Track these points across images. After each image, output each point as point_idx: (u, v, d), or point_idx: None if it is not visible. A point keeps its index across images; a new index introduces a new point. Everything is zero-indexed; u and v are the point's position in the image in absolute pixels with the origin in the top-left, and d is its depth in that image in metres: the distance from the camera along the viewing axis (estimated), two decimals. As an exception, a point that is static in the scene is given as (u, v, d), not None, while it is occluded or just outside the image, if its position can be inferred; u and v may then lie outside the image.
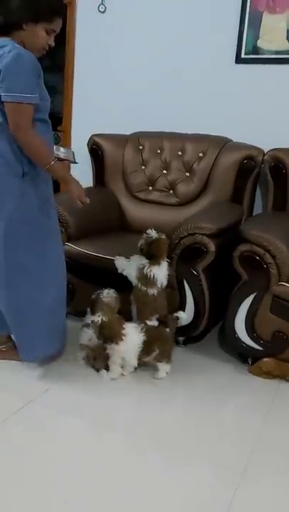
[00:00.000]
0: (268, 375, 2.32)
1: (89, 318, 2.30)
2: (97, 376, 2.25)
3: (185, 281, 2.40)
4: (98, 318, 2.13)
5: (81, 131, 3.31)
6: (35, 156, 1.95)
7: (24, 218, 2.04)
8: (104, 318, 2.12)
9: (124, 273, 2.39)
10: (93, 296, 2.35)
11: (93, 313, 2.30)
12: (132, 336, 2.17)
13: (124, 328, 2.16)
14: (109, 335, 2.13)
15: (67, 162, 2.22)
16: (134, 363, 2.21)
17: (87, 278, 2.62)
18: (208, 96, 3.02)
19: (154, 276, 2.30)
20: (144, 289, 2.31)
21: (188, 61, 3.06)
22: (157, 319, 2.28)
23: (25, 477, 1.66)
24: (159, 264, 2.31)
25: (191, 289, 2.40)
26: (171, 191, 2.96)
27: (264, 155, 2.73)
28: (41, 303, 2.13)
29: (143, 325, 2.21)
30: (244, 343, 2.34)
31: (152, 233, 2.31)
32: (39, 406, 2.03)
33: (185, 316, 2.36)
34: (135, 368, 2.25)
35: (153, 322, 2.26)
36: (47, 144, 1.99)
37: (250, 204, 2.81)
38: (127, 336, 2.15)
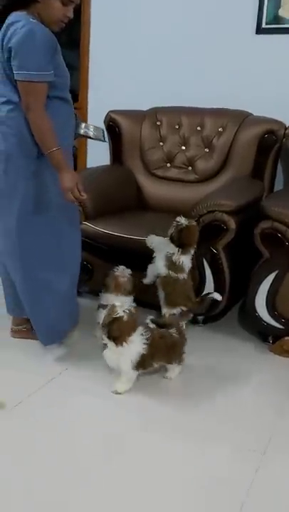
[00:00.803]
0: (289, 354, 2.29)
1: (104, 298, 2.28)
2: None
3: (204, 260, 2.36)
4: (119, 312, 1.90)
5: (98, 107, 3.24)
6: (39, 139, 1.88)
7: (37, 199, 2.00)
8: (123, 317, 1.89)
9: (154, 255, 2.34)
10: (109, 273, 2.34)
11: (107, 290, 2.29)
12: (133, 344, 1.93)
13: (131, 335, 1.92)
14: (114, 333, 1.90)
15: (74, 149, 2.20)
16: (129, 373, 1.98)
17: (105, 257, 2.60)
18: (227, 68, 2.93)
19: (183, 263, 2.25)
20: (175, 275, 2.26)
21: (207, 33, 2.96)
22: (181, 311, 2.26)
23: (47, 452, 1.67)
24: (189, 252, 2.26)
25: (210, 268, 2.36)
26: (190, 168, 2.89)
27: (286, 129, 2.65)
28: (55, 287, 2.10)
29: (150, 334, 1.96)
30: (265, 322, 2.30)
31: (182, 220, 2.23)
32: (59, 385, 2.04)
33: (219, 295, 2.32)
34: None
35: (176, 310, 2.25)
36: (54, 130, 1.88)
37: (271, 180, 2.74)
38: (130, 343, 1.92)
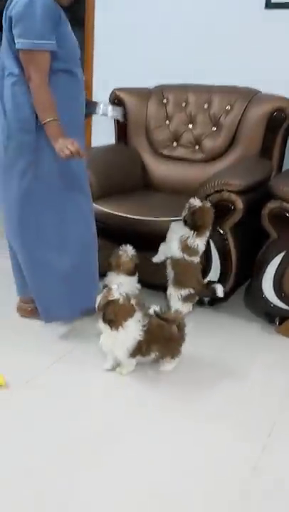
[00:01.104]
0: (296, 335, 2.28)
1: (109, 278, 2.27)
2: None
3: (211, 241, 2.33)
4: (116, 294, 1.84)
5: (103, 85, 3.18)
6: (37, 109, 1.85)
7: (39, 175, 1.96)
8: (119, 300, 1.83)
9: (167, 235, 2.32)
10: (113, 252, 2.35)
11: (110, 268, 2.28)
12: (129, 330, 1.87)
13: (127, 319, 1.86)
14: (109, 316, 1.85)
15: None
16: (125, 360, 1.94)
17: (111, 238, 2.57)
18: (235, 44, 2.85)
19: (198, 246, 2.23)
20: (189, 259, 2.25)
21: (213, 8, 2.88)
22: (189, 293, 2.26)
23: (58, 428, 1.68)
24: (204, 235, 2.23)
25: (217, 249, 2.34)
26: (197, 147, 2.84)
27: (295, 107, 2.59)
28: (55, 267, 2.07)
29: (148, 321, 1.90)
30: (272, 303, 2.29)
31: (195, 202, 2.19)
32: (65, 365, 2.04)
33: (222, 290, 2.29)
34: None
35: (183, 291, 2.26)
36: (54, 102, 1.84)
37: (279, 159, 2.69)
38: (126, 328, 1.86)
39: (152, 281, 2.54)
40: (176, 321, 1.96)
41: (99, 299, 1.89)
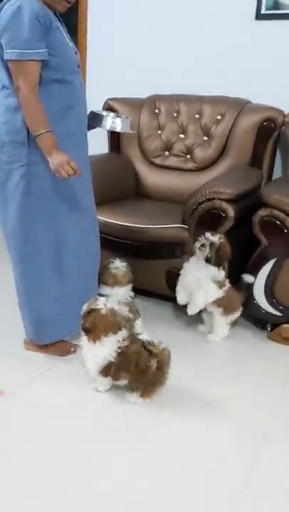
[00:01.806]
0: (287, 341, 2.30)
1: (102, 289, 2.28)
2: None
3: (203, 248, 2.37)
4: (100, 304, 1.79)
5: (96, 95, 3.21)
6: (27, 121, 1.78)
7: (33, 190, 1.88)
8: (101, 310, 1.77)
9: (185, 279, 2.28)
10: (104, 265, 2.30)
11: (101, 282, 2.25)
12: (104, 345, 1.78)
13: (107, 334, 1.77)
14: (86, 325, 1.78)
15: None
16: (95, 376, 1.87)
17: (105, 245, 2.59)
18: (226, 55, 2.90)
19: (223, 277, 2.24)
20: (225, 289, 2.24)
21: (206, 19, 2.93)
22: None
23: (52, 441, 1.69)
24: (224, 267, 2.22)
25: (209, 256, 2.37)
26: (189, 156, 2.89)
27: (284, 116, 2.64)
28: (51, 287, 2.01)
29: (126, 344, 1.79)
30: (263, 310, 2.31)
31: (214, 238, 2.17)
32: (57, 374, 2.05)
33: (252, 279, 2.29)
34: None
35: (234, 315, 2.28)
36: (45, 113, 1.76)
37: (269, 168, 2.73)
38: (102, 343, 1.78)
39: (146, 288, 2.57)
40: (159, 357, 1.78)
41: (85, 306, 1.82)
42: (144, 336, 1.85)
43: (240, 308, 2.31)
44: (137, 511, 1.43)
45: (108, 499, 1.47)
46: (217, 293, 2.20)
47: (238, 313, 2.31)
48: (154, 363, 1.78)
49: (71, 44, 1.88)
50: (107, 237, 2.56)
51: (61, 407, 1.86)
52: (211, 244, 2.16)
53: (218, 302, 2.24)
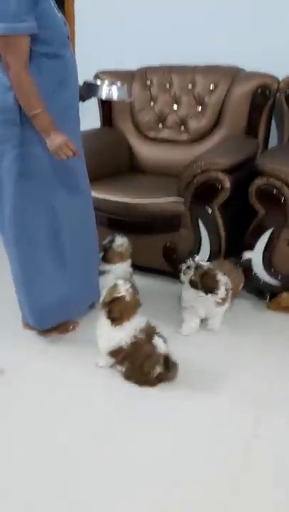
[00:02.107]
0: (287, 310, 2.30)
1: (104, 265, 2.27)
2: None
3: (200, 221, 2.35)
4: (122, 291, 1.80)
5: (85, 68, 3.12)
6: (21, 101, 1.69)
7: (28, 171, 1.81)
8: (126, 297, 1.79)
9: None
10: (105, 243, 2.29)
11: (106, 261, 2.25)
12: (122, 330, 1.80)
13: (129, 319, 1.81)
14: (114, 315, 1.79)
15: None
16: (103, 355, 1.88)
17: (100, 223, 2.57)
18: (216, 21, 2.82)
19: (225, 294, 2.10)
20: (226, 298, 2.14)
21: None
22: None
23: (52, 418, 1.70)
24: (216, 293, 2.06)
25: (206, 229, 2.35)
26: (183, 128, 2.84)
27: (279, 83, 2.59)
28: (53, 270, 1.96)
29: (143, 337, 1.80)
30: (262, 280, 2.31)
31: (200, 263, 2.06)
32: (56, 351, 2.06)
33: (248, 253, 2.25)
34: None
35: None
36: (39, 90, 1.68)
37: (265, 137, 2.69)
38: (124, 326, 1.80)
39: (144, 264, 2.56)
40: (168, 376, 1.81)
41: (104, 293, 1.84)
42: (161, 334, 1.84)
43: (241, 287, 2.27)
44: (139, 482, 1.45)
45: (112, 470, 1.49)
46: (221, 309, 2.15)
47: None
48: (156, 372, 1.80)
49: (60, 14, 1.78)
50: (102, 214, 2.53)
51: (61, 384, 1.86)
52: (196, 268, 2.05)
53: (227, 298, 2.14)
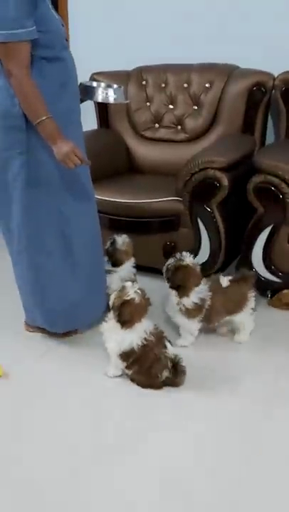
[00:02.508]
0: (288, 306, 2.30)
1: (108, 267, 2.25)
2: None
3: (199, 220, 2.35)
4: (131, 293, 1.76)
5: (80, 69, 3.12)
6: (25, 108, 1.66)
7: (35, 178, 1.78)
8: (135, 299, 1.76)
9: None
10: (107, 247, 2.24)
11: (115, 264, 2.22)
12: (133, 332, 1.77)
13: (141, 320, 1.78)
14: (125, 317, 1.76)
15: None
16: (114, 358, 1.83)
17: (100, 224, 2.57)
18: (211, 21, 2.82)
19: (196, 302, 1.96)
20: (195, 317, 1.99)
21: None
22: None
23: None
24: (188, 295, 1.95)
25: (205, 227, 2.35)
26: (179, 127, 2.84)
27: (274, 80, 2.59)
28: (62, 276, 1.94)
29: (153, 339, 1.78)
30: (262, 277, 2.31)
31: (171, 261, 1.96)
32: (58, 354, 2.06)
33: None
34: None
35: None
36: (42, 96, 1.65)
37: (262, 134, 2.69)
38: (135, 328, 1.77)
39: (144, 263, 2.56)
40: (177, 380, 1.80)
41: (113, 297, 1.80)
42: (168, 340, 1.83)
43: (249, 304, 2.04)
44: (151, 486, 1.45)
45: (121, 473, 1.49)
46: (188, 323, 1.99)
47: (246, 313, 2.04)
48: (163, 377, 1.79)
49: (57, 16, 1.74)
50: (102, 215, 2.52)
51: (63, 387, 1.86)
52: (178, 260, 1.94)
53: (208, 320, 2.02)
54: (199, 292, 1.95)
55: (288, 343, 2.09)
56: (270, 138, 2.77)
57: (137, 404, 1.77)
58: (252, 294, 2.04)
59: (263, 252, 2.26)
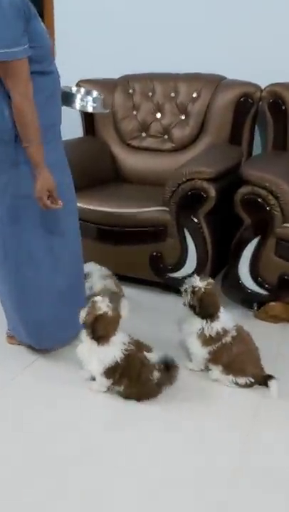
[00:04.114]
0: (275, 318, 2.29)
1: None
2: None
3: (186, 230, 2.33)
4: (103, 307, 1.73)
5: (67, 77, 3.08)
6: (20, 127, 1.63)
7: (22, 192, 1.76)
8: (108, 313, 1.73)
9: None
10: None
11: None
12: (111, 347, 1.74)
13: (115, 333, 1.75)
14: (100, 333, 1.72)
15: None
16: (98, 377, 1.79)
17: (85, 233, 2.52)
18: (198, 29, 2.82)
19: (220, 331, 1.85)
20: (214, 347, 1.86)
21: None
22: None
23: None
24: (218, 317, 1.86)
25: (192, 238, 2.33)
26: (166, 136, 2.82)
27: (261, 91, 2.59)
28: (49, 289, 1.90)
29: (133, 348, 1.75)
30: (249, 289, 2.29)
31: (197, 283, 1.84)
32: (42, 367, 2.01)
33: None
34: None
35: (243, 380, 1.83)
36: (37, 120, 1.64)
37: (249, 145, 2.69)
38: (110, 344, 1.74)
39: (130, 274, 2.53)
40: (170, 381, 1.77)
41: (83, 313, 1.76)
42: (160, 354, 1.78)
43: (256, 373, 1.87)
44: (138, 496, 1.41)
45: (104, 487, 1.45)
46: (201, 351, 1.88)
47: (250, 378, 1.86)
48: (155, 378, 1.75)
49: (43, 26, 1.70)
50: (87, 224, 2.50)
51: (47, 400, 1.82)
52: (194, 290, 1.84)
53: (214, 358, 1.88)
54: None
55: (274, 354, 2.07)
56: (256, 149, 2.77)
57: (122, 417, 1.73)
58: None
59: (250, 264, 2.24)
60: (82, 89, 2.03)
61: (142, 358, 1.75)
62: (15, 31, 1.52)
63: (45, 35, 1.67)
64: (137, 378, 1.75)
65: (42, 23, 1.68)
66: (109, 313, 1.73)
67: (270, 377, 1.84)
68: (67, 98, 1.91)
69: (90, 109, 1.92)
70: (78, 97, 1.89)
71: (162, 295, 2.54)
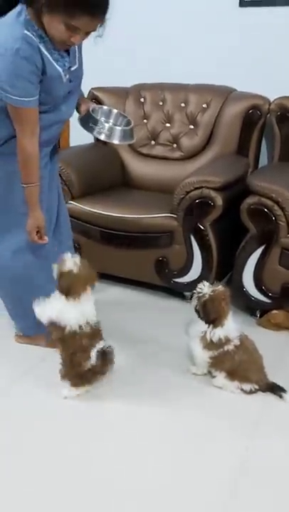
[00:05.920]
0: (277, 327, 2.33)
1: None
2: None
3: (192, 237, 2.38)
4: (68, 265, 1.72)
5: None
6: (22, 167, 1.73)
7: (7, 206, 1.88)
8: (73, 270, 1.71)
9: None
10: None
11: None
12: (86, 304, 1.75)
13: (86, 291, 1.74)
14: (62, 289, 1.73)
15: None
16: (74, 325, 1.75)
17: (92, 236, 2.59)
18: (210, 43, 2.89)
19: (222, 338, 1.86)
20: (216, 353, 1.88)
21: (189, 6, 2.91)
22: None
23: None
24: (222, 324, 1.87)
25: (198, 245, 2.38)
26: (175, 145, 2.88)
27: (270, 104, 2.65)
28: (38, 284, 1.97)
29: (88, 326, 1.76)
30: (252, 297, 2.34)
31: (203, 289, 1.85)
32: (50, 366, 2.04)
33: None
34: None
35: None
36: (38, 162, 1.76)
37: (256, 156, 2.74)
38: (81, 301, 1.73)
39: (136, 277, 2.58)
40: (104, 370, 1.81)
41: (55, 269, 1.75)
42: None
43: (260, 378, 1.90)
44: (139, 497, 1.45)
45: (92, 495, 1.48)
46: (202, 355, 1.89)
47: (255, 386, 1.88)
48: (87, 366, 1.76)
49: (68, 60, 1.78)
50: (95, 228, 2.56)
51: (54, 400, 1.85)
52: (200, 295, 1.86)
53: (216, 364, 1.90)
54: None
55: (276, 363, 2.10)
56: (263, 160, 2.83)
57: (122, 420, 1.77)
58: None
59: (254, 272, 2.29)
60: (114, 111, 1.91)
61: (85, 344, 1.74)
62: (27, 83, 1.59)
63: (57, 86, 1.69)
64: (70, 358, 1.77)
65: (59, 68, 1.69)
66: (75, 270, 1.71)
67: (274, 384, 1.88)
68: (93, 124, 1.82)
69: (116, 142, 1.84)
70: (105, 126, 1.80)
71: (167, 299, 2.58)
